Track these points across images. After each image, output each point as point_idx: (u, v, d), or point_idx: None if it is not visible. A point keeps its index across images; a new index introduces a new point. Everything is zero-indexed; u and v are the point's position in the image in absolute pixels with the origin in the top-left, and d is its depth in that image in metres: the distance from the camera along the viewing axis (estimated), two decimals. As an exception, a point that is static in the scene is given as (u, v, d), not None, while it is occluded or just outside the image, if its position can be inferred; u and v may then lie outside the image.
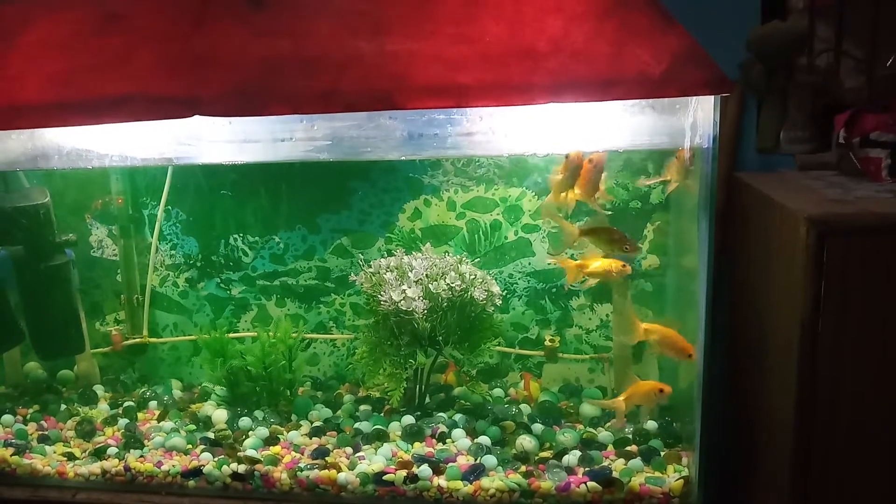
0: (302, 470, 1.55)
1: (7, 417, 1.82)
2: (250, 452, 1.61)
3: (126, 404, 1.87)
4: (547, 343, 1.84)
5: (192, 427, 1.77)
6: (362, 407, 1.79)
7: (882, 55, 1.52)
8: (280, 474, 1.55)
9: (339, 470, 1.54)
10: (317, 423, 1.74)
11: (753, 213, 1.52)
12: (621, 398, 1.51)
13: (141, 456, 1.65)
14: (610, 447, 1.60)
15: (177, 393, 1.93)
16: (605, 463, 1.54)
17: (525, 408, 1.75)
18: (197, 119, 1.34)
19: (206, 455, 1.63)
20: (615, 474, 1.48)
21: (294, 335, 1.82)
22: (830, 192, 1.36)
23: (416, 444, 1.63)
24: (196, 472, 1.58)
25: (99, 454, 1.66)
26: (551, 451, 1.58)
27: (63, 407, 1.87)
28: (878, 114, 1.45)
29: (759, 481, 1.46)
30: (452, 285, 1.61)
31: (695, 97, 1.32)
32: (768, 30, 1.55)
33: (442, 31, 1.32)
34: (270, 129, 1.49)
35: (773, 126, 1.60)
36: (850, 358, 1.17)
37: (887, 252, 1.14)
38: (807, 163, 1.66)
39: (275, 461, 1.59)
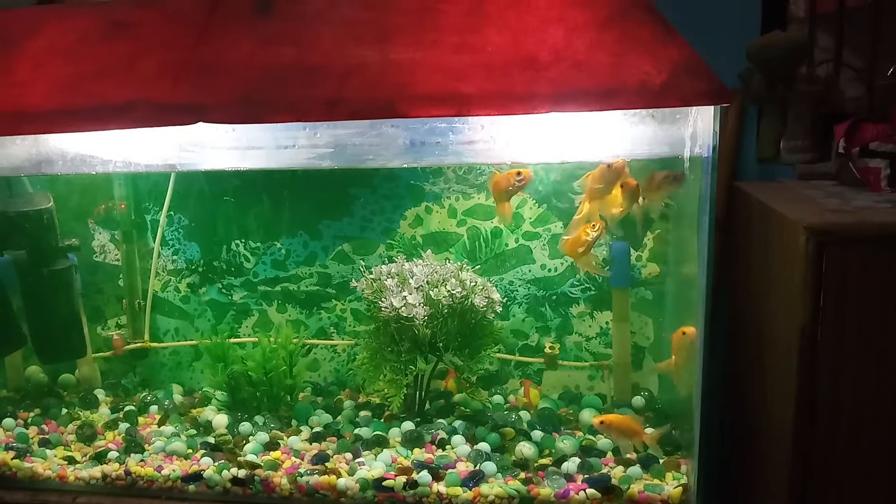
0: (302, 475, 1.55)
1: (8, 421, 1.82)
2: (250, 457, 1.61)
3: (127, 408, 1.87)
4: (547, 350, 1.84)
5: (193, 432, 1.77)
6: (362, 413, 1.80)
7: (882, 65, 1.53)
8: (280, 479, 1.56)
9: (339, 475, 1.54)
10: (317, 429, 1.74)
11: (753, 222, 1.52)
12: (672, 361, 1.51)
13: (141, 460, 1.65)
14: (609, 454, 1.60)
15: (177, 397, 1.93)
16: (605, 470, 1.54)
17: (525, 415, 1.75)
18: (200, 126, 1.35)
19: (207, 460, 1.63)
20: (614, 481, 1.48)
21: (295, 341, 1.82)
22: (830, 201, 1.37)
23: (416, 450, 1.63)
24: (196, 477, 1.58)
25: (99, 458, 1.66)
26: (551, 458, 1.58)
27: (64, 411, 1.88)
28: (878, 124, 1.45)
29: (759, 489, 1.47)
30: (453, 292, 1.62)
31: (695, 107, 1.33)
32: (769, 39, 1.56)
33: (445, 41, 1.33)
34: (273, 136, 1.50)
35: (772, 135, 1.60)
36: (850, 366, 1.17)
37: (886, 261, 1.14)
38: (806, 172, 1.66)
39: (275, 466, 1.59)
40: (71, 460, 1.67)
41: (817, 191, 1.49)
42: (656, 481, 1.49)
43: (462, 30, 1.33)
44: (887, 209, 1.29)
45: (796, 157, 1.57)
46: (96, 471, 1.62)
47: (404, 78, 1.30)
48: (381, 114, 1.32)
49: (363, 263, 1.84)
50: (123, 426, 1.79)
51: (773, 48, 1.53)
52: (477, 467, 1.54)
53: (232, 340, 1.91)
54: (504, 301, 1.74)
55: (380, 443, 1.65)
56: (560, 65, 1.26)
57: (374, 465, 1.57)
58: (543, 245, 1.83)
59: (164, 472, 1.60)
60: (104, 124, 1.40)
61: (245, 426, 1.74)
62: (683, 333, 1.46)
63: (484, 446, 1.60)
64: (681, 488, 1.46)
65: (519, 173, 1.54)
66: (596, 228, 1.52)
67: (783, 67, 1.55)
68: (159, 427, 1.80)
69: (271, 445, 1.67)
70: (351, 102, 1.30)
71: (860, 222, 1.19)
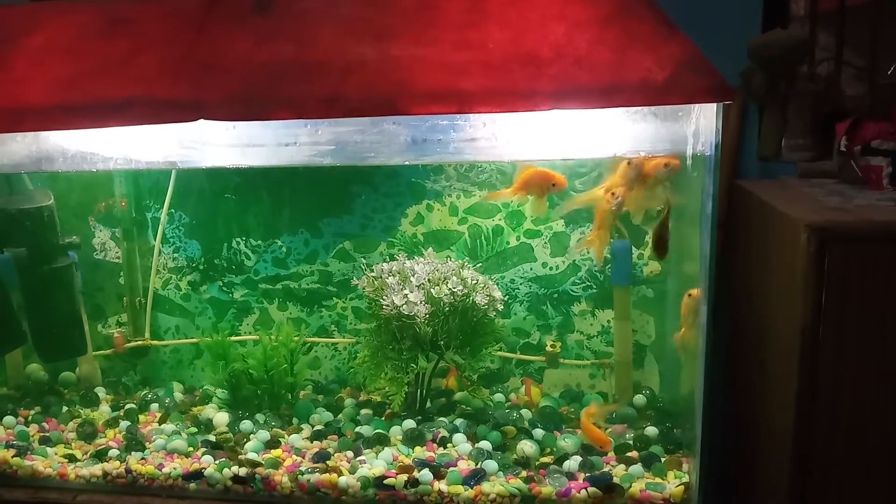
0: (303, 473, 1.55)
1: (9, 419, 1.82)
2: (251, 455, 1.61)
3: (127, 406, 1.87)
4: (548, 348, 1.84)
5: (194, 430, 1.77)
6: (363, 411, 1.79)
7: (883, 64, 1.52)
8: (281, 478, 1.55)
9: (340, 474, 1.54)
10: (318, 427, 1.74)
11: (754, 221, 1.52)
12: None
13: (142, 458, 1.64)
14: (610, 453, 1.59)
15: (178, 395, 1.93)
16: (606, 468, 1.53)
17: (526, 413, 1.74)
18: (201, 123, 1.35)
19: (208, 458, 1.62)
20: (616, 480, 1.48)
21: (296, 339, 1.82)
22: (831, 199, 1.36)
23: (417, 449, 1.63)
24: (197, 475, 1.58)
25: (100, 456, 1.66)
26: (552, 457, 1.58)
27: (64, 409, 1.87)
28: (880, 122, 1.45)
29: (760, 488, 1.46)
30: (454, 290, 1.61)
31: (697, 104, 1.33)
32: (770, 38, 1.55)
33: (445, 38, 1.33)
34: (274, 133, 1.49)
35: (774, 134, 1.60)
36: (851, 365, 1.17)
37: (888, 260, 1.14)
38: (807, 171, 1.66)
39: (276, 464, 1.58)
40: (71, 458, 1.67)
41: (819, 189, 1.49)
42: (658, 480, 1.49)
43: (462, 27, 1.33)
44: (889, 207, 1.28)
45: (798, 155, 1.56)
46: (97, 469, 1.62)
47: (404, 75, 1.30)
48: (382, 111, 1.31)
49: (364, 261, 1.84)
50: (124, 424, 1.79)
51: (773, 47, 1.53)
52: (478, 466, 1.54)
53: (233, 338, 1.91)
54: (505, 299, 1.73)
55: (381, 441, 1.65)
56: (561, 61, 1.26)
57: (375, 464, 1.56)
58: (545, 243, 1.82)
59: (165, 470, 1.60)
60: (103, 121, 1.40)
61: (246, 424, 1.74)
62: (689, 296, 1.44)
63: (485, 444, 1.60)
64: (682, 487, 1.45)
65: (554, 185, 1.56)
66: (617, 196, 1.51)
67: (784, 66, 1.54)
68: (160, 425, 1.79)
69: (272, 444, 1.67)
70: (351, 100, 1.29)
71: (862, 221, 1.19)
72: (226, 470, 1.57)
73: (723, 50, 1.42)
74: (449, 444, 1.64)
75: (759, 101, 1.62)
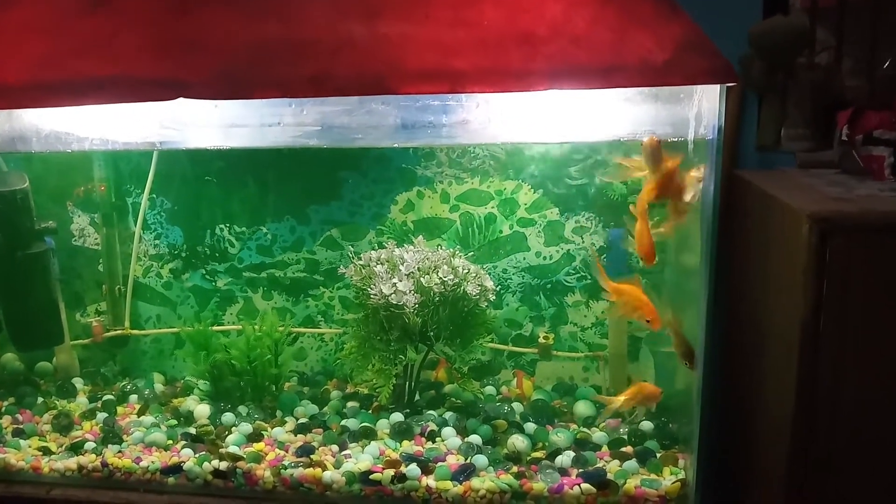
0: (286, 468, 1.52)
1: (-19, 410, 1.78)
2: (233, 449, 1.58)
3: (105, 398, 1.84)
4: (541, 340, 1.81)
5: (174, 422, 1.73)
6: (350, 403, 1.77)
7: (881, 56, 1.51)
8: (263, 472, 1.52)
9: (325, 468, 1.51)
10: (302, 420, 1.72)
11: (753, 211, 1.50)
12: (622, 398, 1.49)
13: (119, 451, 1.61)
14: (605, 448, 1.58)
15: (158, 387, 1.90)
16: (600, 464, 1.52)
17: (517, 406, 1.72)
18: (182, 102, 1.31)
19: (187, 451, 1.59)
20: (610, 476, 1.46)
21: (280, 329, 1.79)
22: (832, 190, 1.35)
23: (405, 443, 1.60)
24: (176, 469, 1.55)
25: (75, 449, 1.63)
26: (544, 452, 1.56)
27: (40, 400, 1.84)
28: (881, 112, 1.43)
29: (758, 484, 1.45)
30: (445, 279, 1.59)
31: (700, 87, 1.30)
32: (770, 25, 1.53)
33: (438, 15, 1.29)
34: (258, 113, 1.45)
35: (773, 123, 1.58)
36: (852, 358, 1.15)
37: (890, 251, 1.12)
38: (807, 161, 1.64)
39: (258, 458, 1.55)
40: (46, 451, 1.64)
41: (819, 179, 1.47)
42: (653, 476, 1.47)
43: (456, 4, 1.29)
44: (891, 198, 1.27)
45: (797, 144, 1.55)
46: (72, 462, 1.59)
47: (395, 53, 1.26)
48: (371, 90, 1.28)
49: (352, 249, 1.81)
50: (101, 416, 1.76)
51: (774, 34, 1.50)
52: (468, 460, 1.52)
53: (215, 328, 1.88)
54: (497, 289, 1.71)
55: (367, 435, 1.62)
56: (558, 40, 1.22)
57: (361, 458, 1.54)
58: (538, 232, 1.79)
59: (143, 463, 1.57)
60: (82, 99, 1.36)
61: (228, 417, 1.71)
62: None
63: (475, 439, 1.58)
64: (679, 483, 1.44)
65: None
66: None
67: (784, 55, 1.52)
68: (139, 417, 1.76)
69: (255, 437, 1.64)
70: (339, 78, 1.26)
71: (865, 211, 1.17)
72: (206, 464, 1.55)
73: (722, 36, 1.39)
74: (438, 439, 1.61)
75: (759, 89, 1.60)
